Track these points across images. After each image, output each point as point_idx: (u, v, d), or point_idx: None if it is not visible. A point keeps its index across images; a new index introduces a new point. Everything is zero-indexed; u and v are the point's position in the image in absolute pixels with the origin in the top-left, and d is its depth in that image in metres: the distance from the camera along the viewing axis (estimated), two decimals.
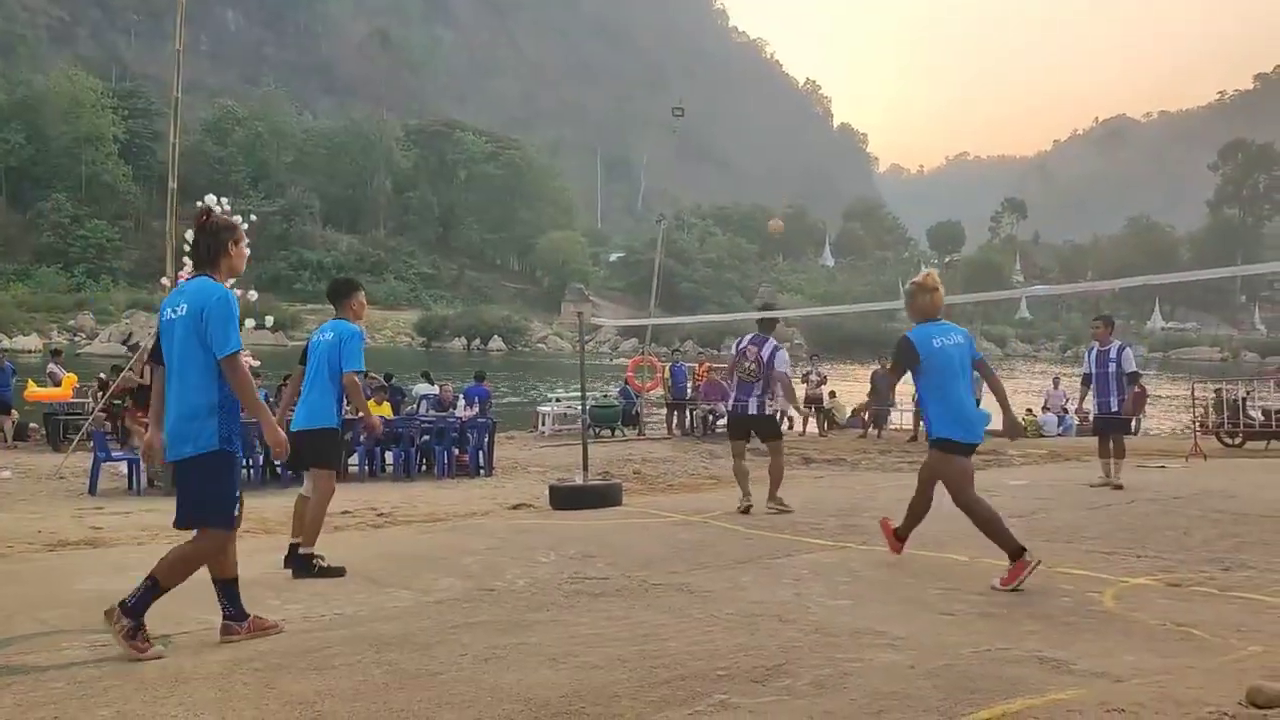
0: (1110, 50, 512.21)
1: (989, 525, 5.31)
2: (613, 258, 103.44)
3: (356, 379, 6.01)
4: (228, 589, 4.29)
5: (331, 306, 6.25)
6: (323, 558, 5.81)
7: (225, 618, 4.29)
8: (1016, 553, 5.13)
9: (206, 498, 4.09)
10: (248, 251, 4.49)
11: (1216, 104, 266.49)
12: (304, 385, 6.05)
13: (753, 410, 8.39)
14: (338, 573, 5.72)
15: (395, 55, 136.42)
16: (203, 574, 4.24)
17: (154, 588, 4.04)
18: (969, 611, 4.65)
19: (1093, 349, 10.39)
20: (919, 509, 5.90)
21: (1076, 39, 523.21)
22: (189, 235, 14.57)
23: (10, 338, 51.03)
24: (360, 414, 6.29)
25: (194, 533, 4.17)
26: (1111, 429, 10.10)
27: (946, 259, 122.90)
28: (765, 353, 8.39)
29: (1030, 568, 5.06)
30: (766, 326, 8.74)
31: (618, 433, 19.46)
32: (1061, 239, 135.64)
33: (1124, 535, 6.93)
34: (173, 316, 4.17)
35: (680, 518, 8.16)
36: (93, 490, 11.03)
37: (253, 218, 15.85)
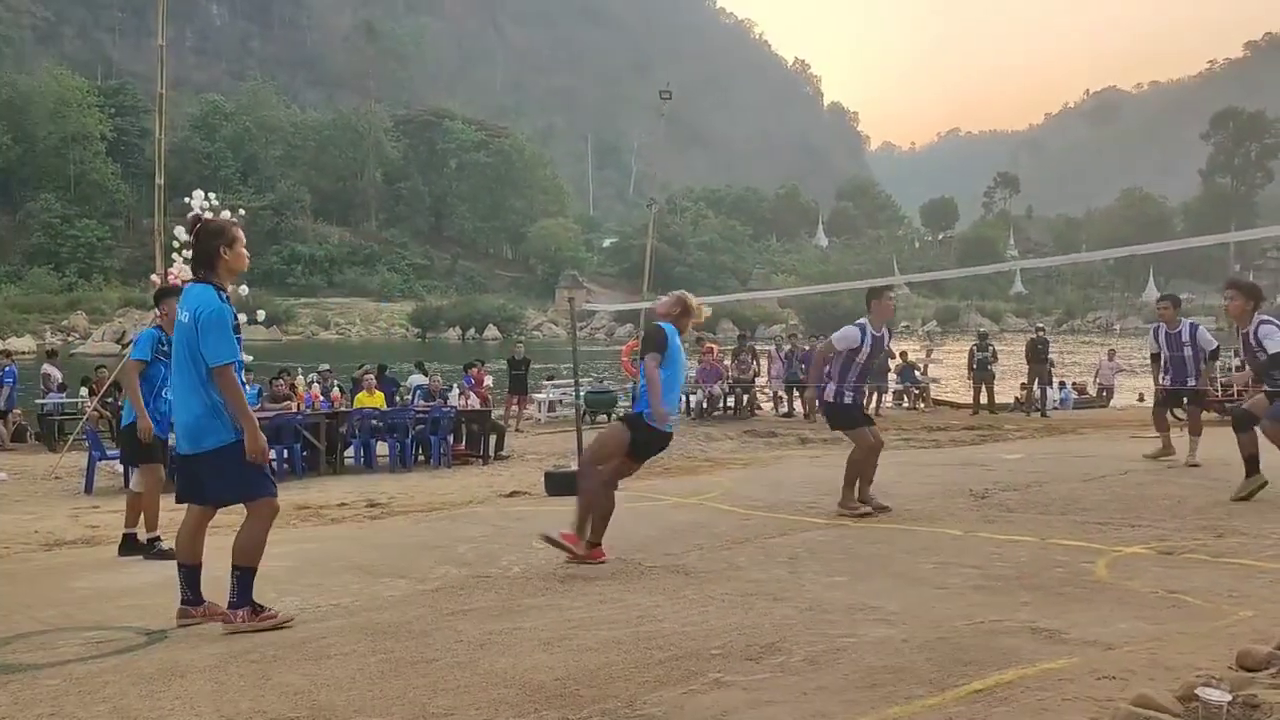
0: (1099, 22, 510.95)
1: (598, 511, 5.59)
2: (606, 244, 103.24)
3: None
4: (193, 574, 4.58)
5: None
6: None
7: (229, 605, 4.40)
8: (595, 545, 5.57)
9: (247, 477, 4.30)
10: (245, 252, 4.54)
11: (1207, 73, 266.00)
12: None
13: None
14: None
15: (382, 46, 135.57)
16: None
17: (245, 574, 4.33)
18: (963, 585, 4.67)
19: (1160, 328, 9.85)
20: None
21: (1065, 11, 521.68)
22: (178, 231, 14.62)
23: (4, 340, 50.89)
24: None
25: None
26: (1190, 401, 9.61)
27: (940, 235, 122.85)
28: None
29: (593, 560, 5.49)
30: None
31: (613, 418, 19.47)
32: (1054, 212, 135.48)
33: (1118, 505, 6.95)
34: (181, 320, 4.39)
35: (676, 500, 8.17)
36: (89, 489, 11.03)
37: (241, 212, 15.78)
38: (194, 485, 4.43)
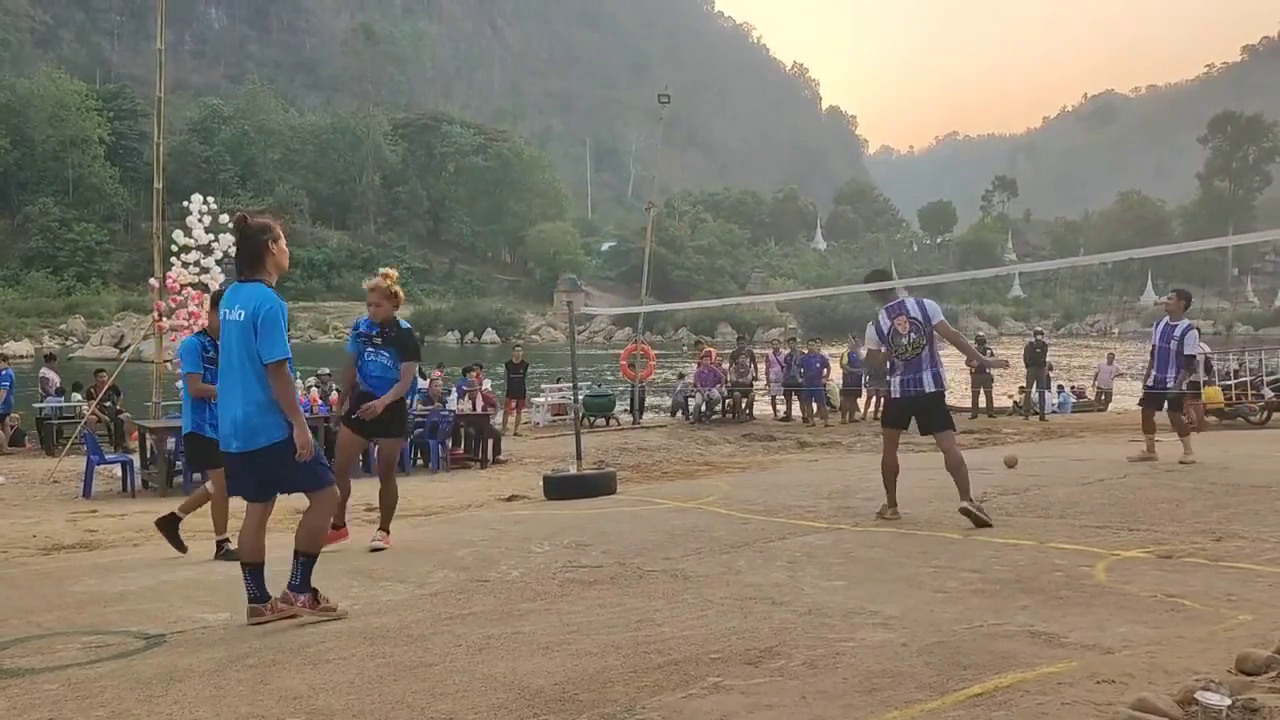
0: (1096, 25, 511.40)
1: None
2: (604, 247, 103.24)
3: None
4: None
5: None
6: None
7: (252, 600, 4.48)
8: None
9: (301, 471, 4.37)
10: (287, 249, 4.63)
11: (1204, 77, 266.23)
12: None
13: (930, 387, 6.75)
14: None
15: (380, 49, 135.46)
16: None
17: (310, 560, 4.49)
18: (962, 589, 4.67)
19: (1161, 321, 10.01)
20: None
21: (1063, 15, 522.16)
22: (177, 235, 14.62)
23: (1, 344, 50.84)
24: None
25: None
26: (1171, 405, 9.76)
27: (938, 239, 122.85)
28: (914, 311, 6.81)
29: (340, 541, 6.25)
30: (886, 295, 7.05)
31: (612, 421, 19.47)
32: (1053, 216, 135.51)
33: (1116, 509, 6.95)
34: (230, 319, 4.39)
35: (675, 504, 8.17)
36: (87, 493, 11.02)
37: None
38: (248, 482, 4.49)
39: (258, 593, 4.47)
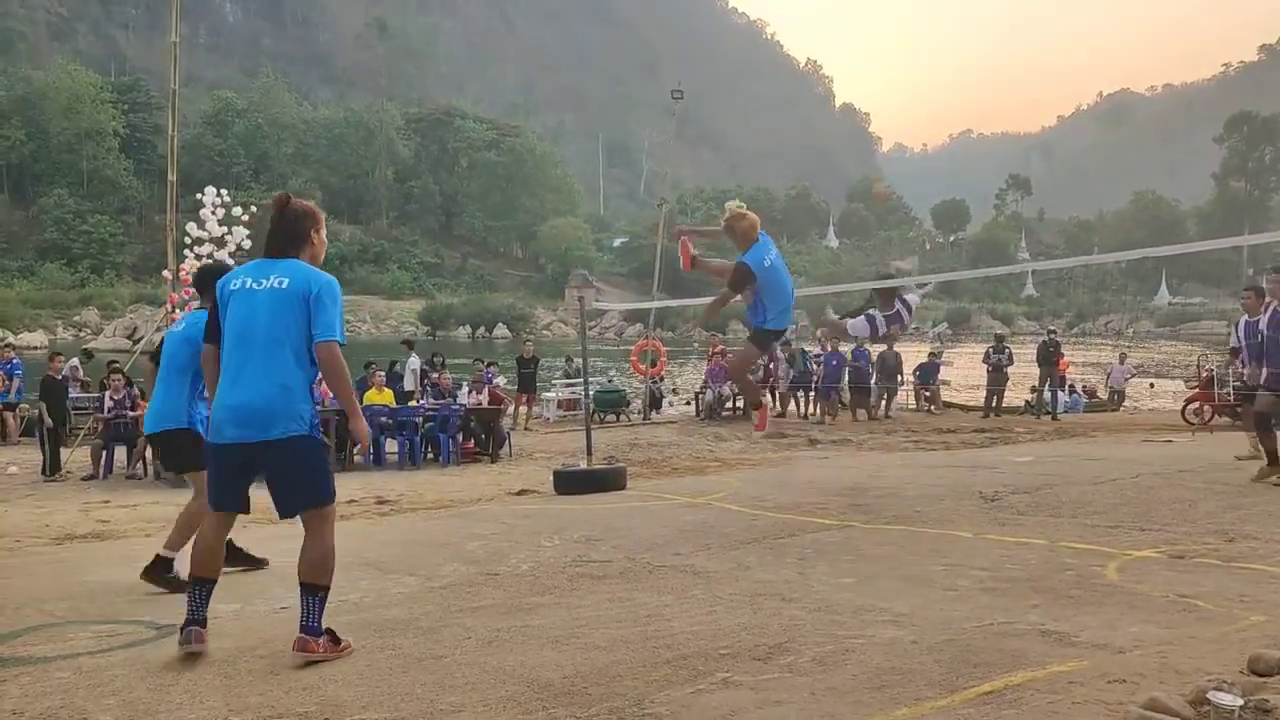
0: (1113, 23, 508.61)
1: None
2: (616, 243, 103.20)
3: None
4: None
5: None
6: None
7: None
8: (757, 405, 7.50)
9: (310, 478, 3.81)
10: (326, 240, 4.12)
11: (1221, 76, 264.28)
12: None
13: None
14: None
15: (393, 44, 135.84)
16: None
17: (323, 595, 3.77)
18: (972, 587, 4.66)
19: (1240, 322, 9.11)
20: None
21: (1078, 12, 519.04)
22: (190, 227, 14.66)
23: (15, 334, 51.10)
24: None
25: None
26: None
27: (951, 237, 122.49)
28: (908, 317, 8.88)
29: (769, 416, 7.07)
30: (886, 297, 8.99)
31: (622, 418, 19.47)
32: (1066, 215, 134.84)
33: (1128, 509, 6.93)
34: (255, 288, 3.79)
35: (685, 500, 8.16)
36: (106, 474, 11.66)
37: (253, 209, 15.82)
38: (236, 486, 3.85)
39: (202, 614, 3.83)
